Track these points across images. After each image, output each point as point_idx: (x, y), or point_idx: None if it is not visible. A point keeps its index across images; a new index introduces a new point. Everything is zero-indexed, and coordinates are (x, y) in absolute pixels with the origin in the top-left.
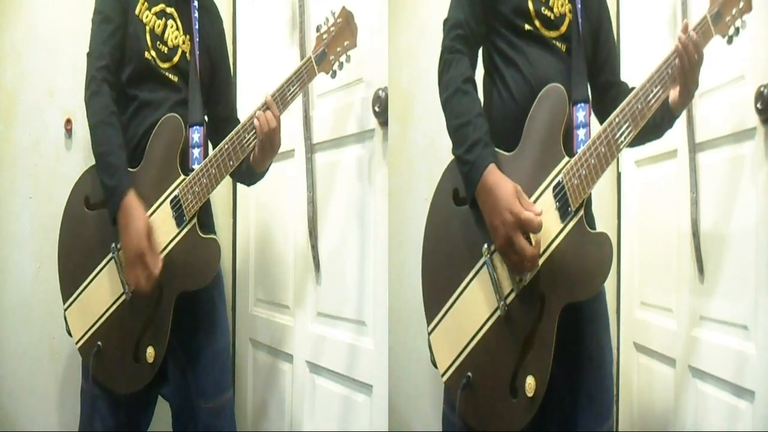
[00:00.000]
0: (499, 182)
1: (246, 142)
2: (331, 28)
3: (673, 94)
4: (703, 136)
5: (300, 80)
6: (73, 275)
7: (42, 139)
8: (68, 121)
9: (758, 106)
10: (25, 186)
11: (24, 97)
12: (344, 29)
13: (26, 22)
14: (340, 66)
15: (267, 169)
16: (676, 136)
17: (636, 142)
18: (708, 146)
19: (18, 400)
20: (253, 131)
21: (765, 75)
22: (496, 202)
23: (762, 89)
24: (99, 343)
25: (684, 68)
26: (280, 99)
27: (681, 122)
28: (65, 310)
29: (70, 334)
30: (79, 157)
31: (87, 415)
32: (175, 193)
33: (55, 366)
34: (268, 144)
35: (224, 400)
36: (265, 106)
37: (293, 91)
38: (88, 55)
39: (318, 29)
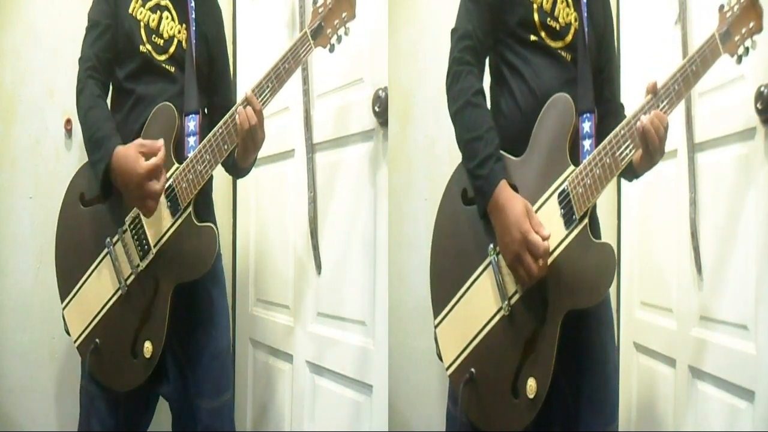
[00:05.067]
0: (510, 200)
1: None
2: (328, 1)
3: (637, 154)
4: (703, 136)
5: (296, 56)
6: (69, 274)
7: (42, 139)
8: (68, 121)
9: (758, 106)
10: (25, 186)
11: (24, 97)
12: (342, 0)
13: (26, 22)
14: (339, 39)
15: (252, 164)
16: (676, 136)
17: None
18: (707, 146)
19: (17, 400)
20: None
21: (765, 75)
22: (507, 221)
23: (762, 89)
24: (97, 340)
25: (649, 139)
26: (275, 78)
27: (680, 122)
28: (63, 309)
29: (68, 333)
30: (79, 157)
31: (85, 415)
32: (169, 181)
33: (55, 366)
34: (250, 140)
35: (223, 400)
36: (246, 102)
37: (288, 68)
38: (78, 60)
39: (314, 2)
